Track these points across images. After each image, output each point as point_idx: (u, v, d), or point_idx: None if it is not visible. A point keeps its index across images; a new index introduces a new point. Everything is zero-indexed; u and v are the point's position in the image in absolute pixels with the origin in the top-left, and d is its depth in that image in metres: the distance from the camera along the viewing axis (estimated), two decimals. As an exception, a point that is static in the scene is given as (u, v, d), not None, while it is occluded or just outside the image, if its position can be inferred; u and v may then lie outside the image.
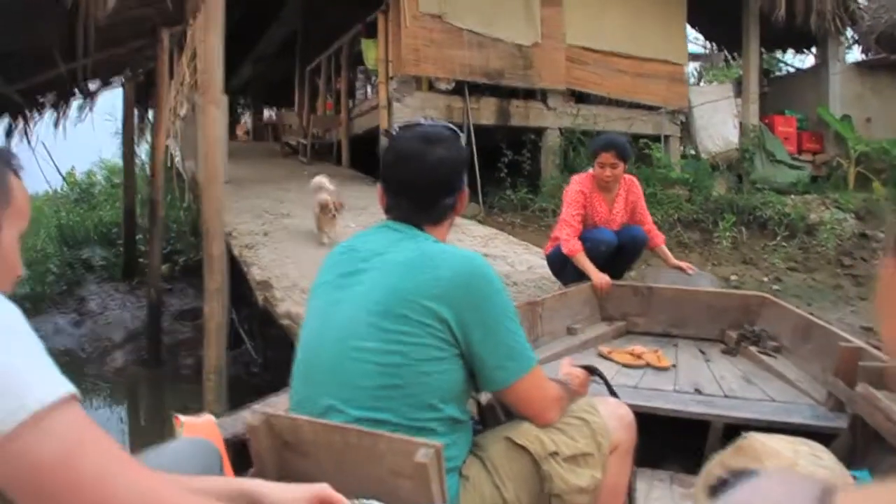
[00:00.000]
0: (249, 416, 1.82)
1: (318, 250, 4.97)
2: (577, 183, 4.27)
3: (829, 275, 7.34)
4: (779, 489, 0.60)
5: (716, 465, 2.31)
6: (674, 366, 3.49)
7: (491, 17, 8.77)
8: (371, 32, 9.06)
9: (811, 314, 3.82)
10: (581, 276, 4.04)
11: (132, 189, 8.92)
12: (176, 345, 6.39)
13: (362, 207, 6.89)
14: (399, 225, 1.66)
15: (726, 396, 3.08)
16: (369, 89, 9.92)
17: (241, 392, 4.47)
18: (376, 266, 1.59)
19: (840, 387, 2.75)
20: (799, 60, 17.94)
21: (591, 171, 4.28)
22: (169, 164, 11.87)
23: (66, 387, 0.82)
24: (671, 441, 2.87)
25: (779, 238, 7.70)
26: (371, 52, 8.78)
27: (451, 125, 1.77)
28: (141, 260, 9.12)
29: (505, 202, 8.84)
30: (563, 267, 4.22)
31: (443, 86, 8.70)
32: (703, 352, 3.72)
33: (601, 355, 3.67)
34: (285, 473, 1.70)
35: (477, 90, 8.86)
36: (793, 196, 8.83)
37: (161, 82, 6.43)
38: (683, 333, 3.92)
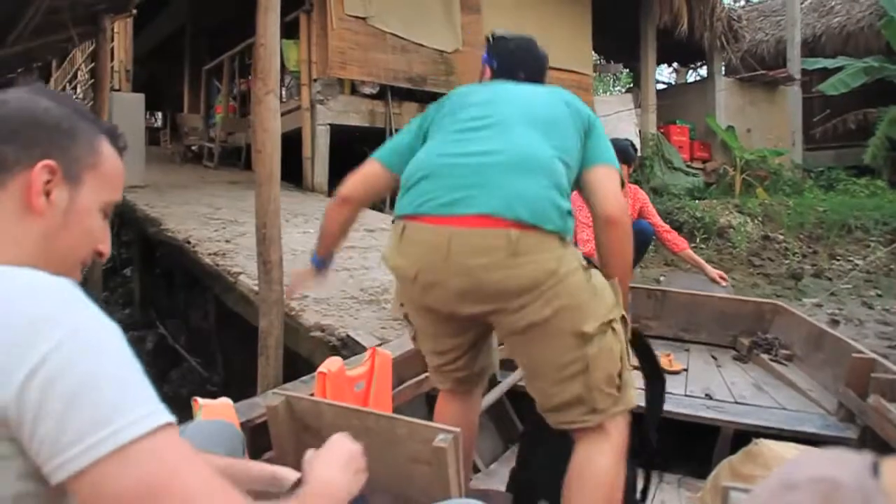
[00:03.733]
0: (269, 399, 1.85)
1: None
2: None
3: (745, 274, 7.82)
4: (827, 459, 0.63)
5: (724, 471, 2.36)
6: (685, 370, 3.55)
7: (414, 22, 8.71)
8: (290, 33, 8.73)
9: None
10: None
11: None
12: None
13: (304, 214, 6.64)
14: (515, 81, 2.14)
15: (737, 403, 3.15)
16: (283, 91, 9.55)
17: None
18: (514, 99, 2.02)
19: (851, 397, 2.82)
20: (667, 76, 19.20)
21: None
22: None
23: (165, 414, 0.82)
24: (680, 445, 2.92)
25: (697, 241, 8.11)
26: (292, 53, 8.48)
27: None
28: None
29: (428, 207, 8.80)
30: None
31: (367, 89, 8.55)
32: (714, 357, 3.80)
33: None
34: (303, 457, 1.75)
35: (399, 94, 8.77)
36: (699, 201, 9.34)
37: (103, 75, 5.86)
38: (695, 339, 3.99)
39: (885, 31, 11.61)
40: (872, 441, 2.60)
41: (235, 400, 2.16)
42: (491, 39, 2.28)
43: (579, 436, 1.85)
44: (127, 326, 7.21)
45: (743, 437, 2.55)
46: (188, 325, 6.21)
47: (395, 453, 1.60)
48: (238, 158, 10.03)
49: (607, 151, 2.04)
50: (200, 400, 1.95)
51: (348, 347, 3.20)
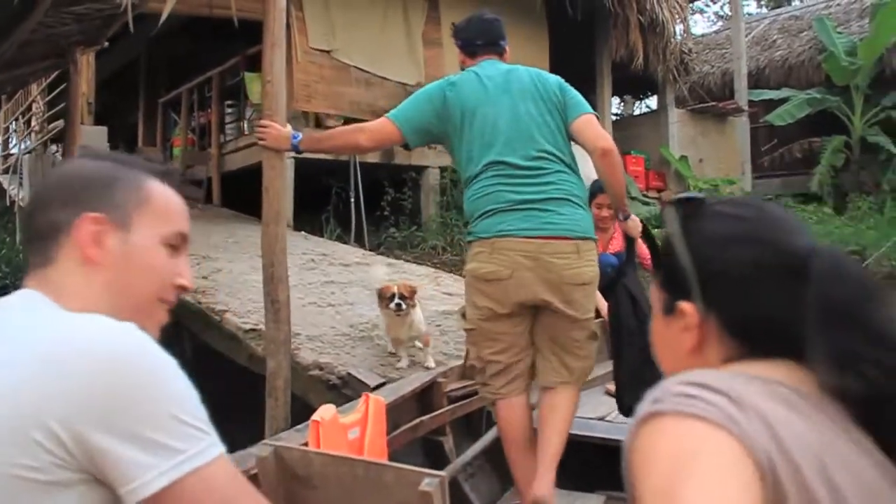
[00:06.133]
0: (259, 449, 1.88)
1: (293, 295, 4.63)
2: None
3: (708, 302, 7.99)
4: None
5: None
6: None
7: (377, 55, 8.77)
8: (253, 66, 8.70)
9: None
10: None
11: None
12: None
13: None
14: (496, 60, 2.88)
15: None
16: (245, 124, 9.48)
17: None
18: (514, 87, 2.72)
19: None
20: (614, 107, 19.66)
21: (586, 213, 4.42)
22: (8, 203, 10.59)
23: (221, 444, 0.91)
24: None
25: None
26: (255, 86, 8.42)
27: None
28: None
29: (391, 241, 8.80)
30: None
31: (331, 122, 8.52)
32: None
33: (608, 393, 3.72)
34: (294, 507, 1.80)
35: (363, 128, 8.77)
36: (658, 230, 9.52)
37: (74, 108, 5.70)
38: None
39: (826, 64, 12.13)
40: None
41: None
42: (452, 28, 3.06)
43: (557, 387, 2.72)
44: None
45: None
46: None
47: (384, 500, 1.65)
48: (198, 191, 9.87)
49: (582, 102, 2.75)
50: None
51: (349, 385, 3.18)
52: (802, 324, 0.80)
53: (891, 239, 8.95)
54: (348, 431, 2.39)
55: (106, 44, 5.35)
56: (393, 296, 3.55)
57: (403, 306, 3.51)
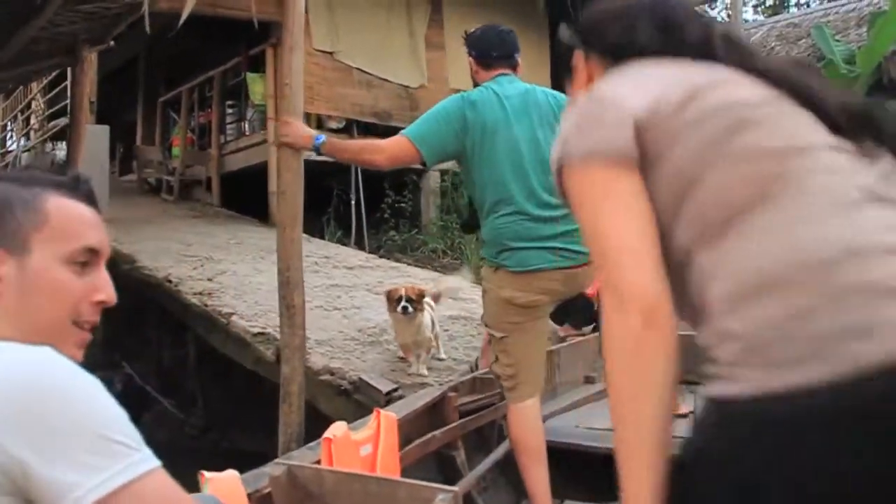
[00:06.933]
0: (272, 468, 1.88)
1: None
2: None
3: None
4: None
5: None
6: (692, 412, 3.58)
7: (379, 57, 8.77)
8: (254, 66, 8.69)
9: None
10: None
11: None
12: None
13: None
14: (512, 75, 2.83)
15: None
16: (246, 125, 9.45)
17: (201, 462, 3.99)
18: (532, 110, 2.74)
19: None
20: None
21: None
22: None
23: (154, 459, 0.90)
24: None
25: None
26: (258, 87, 8.42)
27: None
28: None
29: (392, 244, 8.79)
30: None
31: (333, 124, 8.52)
32: None
33: None
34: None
35: (364, 129, 8.76)
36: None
37: (80, 107, 5.65)
38: (700, 380, 4.03)
39: (825, 71, 12.17)
40: None
41: (218, 445, 2.11)
42: (464, 36, 2.98)
43: None
44: (87, 368, 6.89)
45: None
46: (160, 365, 6.03)
47: None
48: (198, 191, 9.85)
49: None
50: (207, 474, 1.92)
51: (361, 391, 3.16)
52: (641, 33, 1.22)
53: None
54: (360, 448, 2.37)
55: (112, 42, 5.33)
56: (400, 298, 3.57)
57: (410, 309, 3.53)
